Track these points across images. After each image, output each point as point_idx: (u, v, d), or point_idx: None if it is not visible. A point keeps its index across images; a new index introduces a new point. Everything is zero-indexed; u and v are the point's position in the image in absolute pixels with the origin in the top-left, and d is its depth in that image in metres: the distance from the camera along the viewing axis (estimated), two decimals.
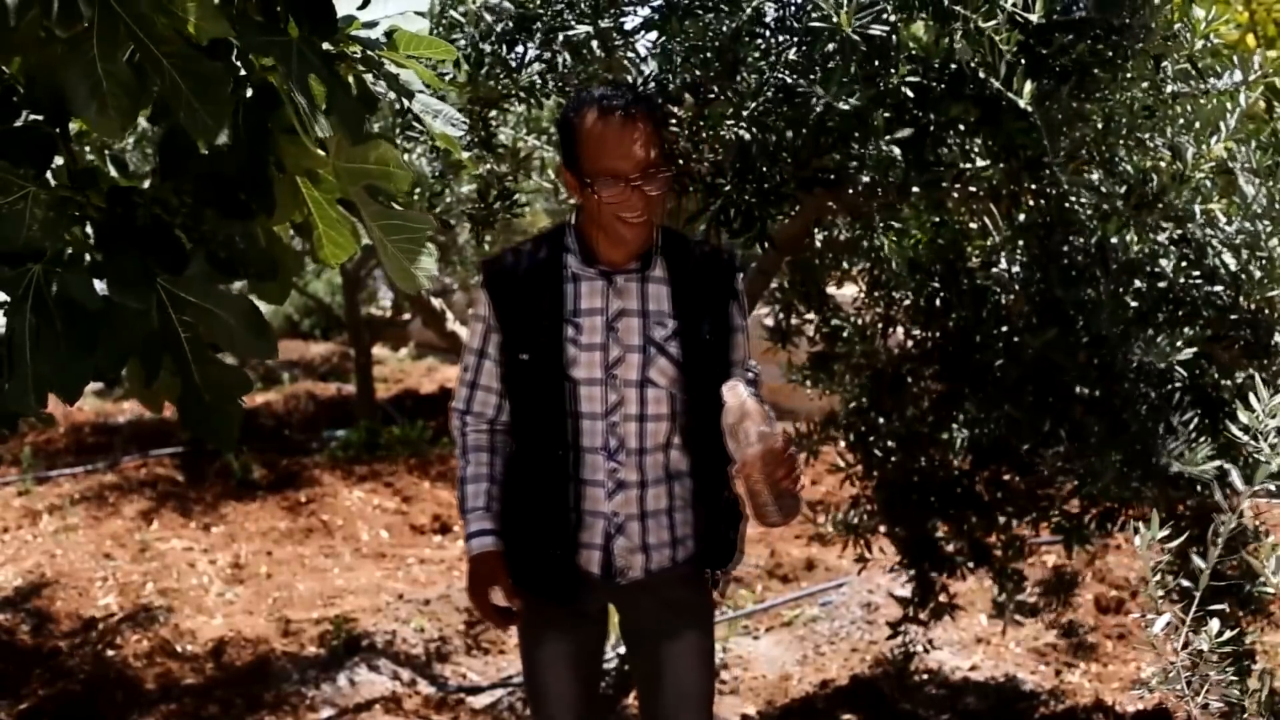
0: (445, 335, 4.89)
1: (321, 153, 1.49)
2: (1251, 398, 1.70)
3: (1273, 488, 1.68)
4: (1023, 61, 2.28)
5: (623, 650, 4.31)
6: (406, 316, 8.65)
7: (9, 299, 1.27)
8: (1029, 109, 2.26)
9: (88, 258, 1.37)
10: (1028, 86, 2.23)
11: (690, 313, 2.15)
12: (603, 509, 2.15)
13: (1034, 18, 2.17)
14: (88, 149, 1.61)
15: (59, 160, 1.40)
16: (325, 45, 1.38)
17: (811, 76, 2.33)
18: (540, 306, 2.12)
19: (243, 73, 1.41)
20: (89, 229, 1.40)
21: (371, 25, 1.52)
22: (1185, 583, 1.66)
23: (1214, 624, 1.62)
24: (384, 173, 1.51)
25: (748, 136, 2.41)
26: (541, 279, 2.14)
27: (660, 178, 2.05)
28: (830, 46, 2.26)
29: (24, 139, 1.34)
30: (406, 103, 1.53)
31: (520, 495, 2.21)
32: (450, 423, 2.26)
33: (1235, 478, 1.66)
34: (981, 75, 2.29)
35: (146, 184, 1.45)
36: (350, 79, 1.44)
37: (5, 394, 1.28)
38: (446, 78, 2.52)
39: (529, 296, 2.14)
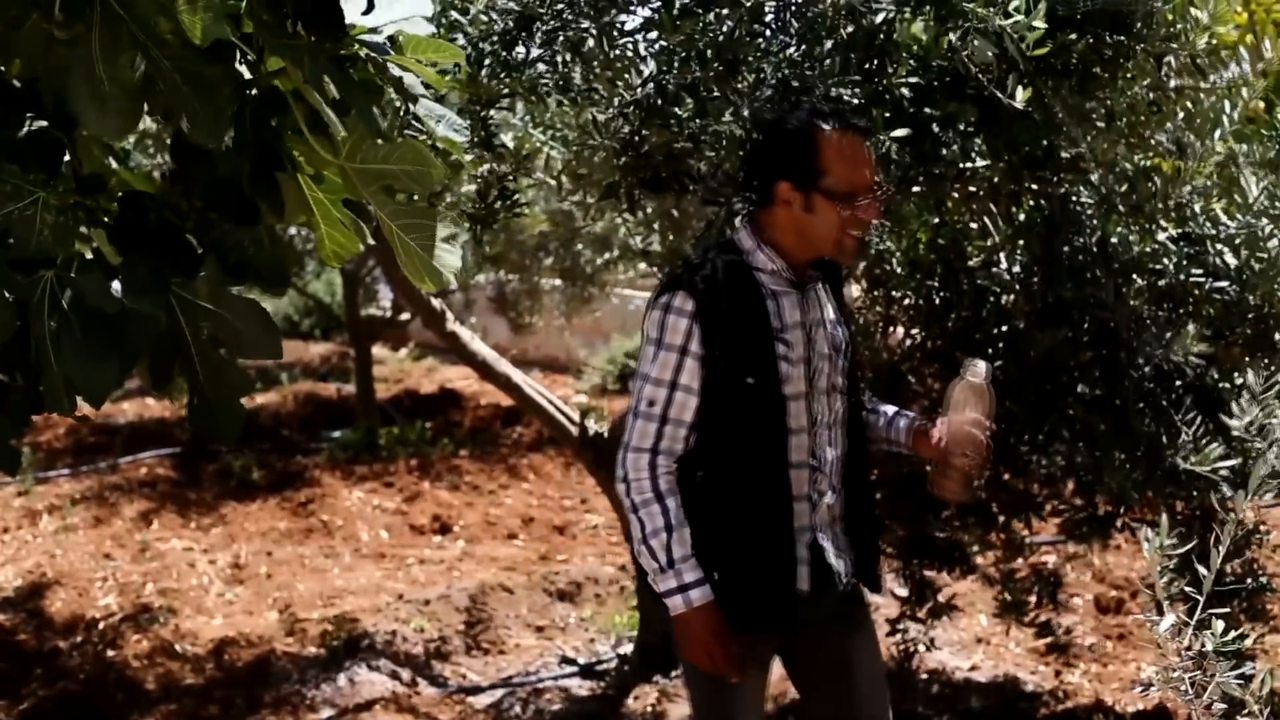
0: (445, 335, 4.87)
1: (327, 154, 1.48)
2: (1247, 394, 1.70)
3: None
4: (1020, 66, 2.28)
5: (623, 651, 4.32)
6: (406, 316, 8.63)
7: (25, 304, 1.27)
8: (1028, 109, 2.27)
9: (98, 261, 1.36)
10: (1020, 91, 2.26)
11: (846, 316, 2.23)
12: (806, 523, 2.13)
13: (1037, 22, 2.17)
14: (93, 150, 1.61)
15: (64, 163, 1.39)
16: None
17: (810, 72, 2.33)
18: (748, 328, 2.07)
19: (248, 76, 1.41)
20: (96, 233, 1.40)
21: (374, 31, 1.52)
22: (1189, 588, 1.66)
23: (1219, 624, 1.62)
24: (416, 173, 1.50)
25: (748, 134, 2.40)
26: (743, 299, 2.08)
27: (887, 193, 2.11)
28: (829, 44, 2.26)
29: (33, 144, 1.33)
30: (411, 106, 1.53)
31: (734, 525, 2.10)
32: (627, 462, 2.09)
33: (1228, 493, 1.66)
34: (980, 77, 2.30)
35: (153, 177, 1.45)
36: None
37: (42, 396, 1.28)
38: (447, 77, 2.51)
39: (734, 319, 2.07)
